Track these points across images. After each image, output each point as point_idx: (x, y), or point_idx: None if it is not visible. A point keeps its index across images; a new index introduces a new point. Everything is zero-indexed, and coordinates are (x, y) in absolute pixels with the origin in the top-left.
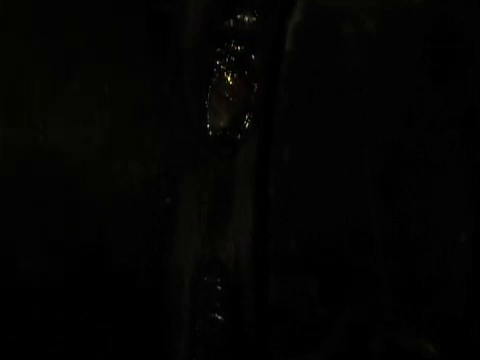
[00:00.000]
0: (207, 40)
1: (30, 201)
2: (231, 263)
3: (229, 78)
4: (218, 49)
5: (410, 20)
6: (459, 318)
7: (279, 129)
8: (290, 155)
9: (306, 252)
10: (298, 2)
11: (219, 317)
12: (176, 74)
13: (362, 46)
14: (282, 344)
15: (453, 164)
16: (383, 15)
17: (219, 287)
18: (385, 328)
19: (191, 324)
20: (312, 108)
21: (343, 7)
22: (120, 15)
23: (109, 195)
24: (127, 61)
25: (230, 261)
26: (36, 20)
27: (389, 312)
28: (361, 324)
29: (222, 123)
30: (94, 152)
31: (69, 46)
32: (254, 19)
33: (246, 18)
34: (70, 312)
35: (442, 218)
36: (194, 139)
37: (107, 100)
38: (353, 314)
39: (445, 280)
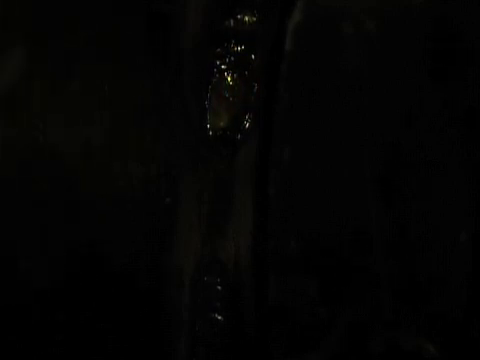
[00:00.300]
0: (207, 40)
1: (30, 201)
2: (231, 263)
3: (229, 78)
4: (218, 49)
5: (410, 20)
6: (459, 318)
7: (279, 129)
8: (290, 155)
9: (306, 252)
10: (298, 2)
11: (219, 317)
12: (176, 74)
13: (362, 46)
14: (282, 344)
15: (453, 164)
16: (383, 15)
17: (219, 287)
18: (385, 328)
19: (191, 324)
20: (312, 108)
21: (343, 7)
22: (120, 15)
23: (109, 195)
24: (127, 61)
25: (230, 261)
26: (36, 20)
27: (389, 312)
28: (361, 324)
29: (222, 123)
30: (94, 152)
31: (69, 46)
32: (254, 19)
33: (246, 18)
34: (70, 312)
35: (442, 218)
36: (194, 139)
37: (107, 100)
38: (353, 314)
39: (445, 280)
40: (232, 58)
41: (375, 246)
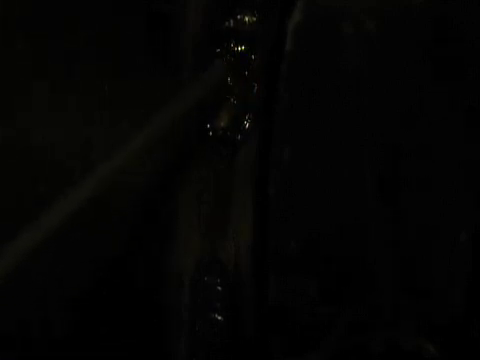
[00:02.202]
0: (207, 40)
1: (30, 200)
2: (231, 263)
3: (229, 78)
4: (218, 49)
5: (410, 20)
6: (459, 318)
7: (279, 129)
8: (290, 155)
9: (306, 252)
10: (298, 2)
11: (219, 317)
12: (176, 74)
13: (362, 46)
14: (282, 344)
15: (453, 164)
16: (383, 15)
17: (219, 287)
18: (385, 328)
19: (191, 324)
20: (312, 108)
21: (343, 7)
22: (120, 15)
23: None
24: (127, 61)
25: (230, 261)
26: (36, 20)
27: (389, 312)
28: (361, 324)
29: (222, 123)
30: (94, 152)
31: (69, 46)
32: (254, 19)
33: (246, 18)
34: (70, 312)
35: (442, 218)
36: (194, 139)
37: (107, 100)
38: (353, 314)
39: (445, 280)
40: (232, 58)
41: (375, 246)
